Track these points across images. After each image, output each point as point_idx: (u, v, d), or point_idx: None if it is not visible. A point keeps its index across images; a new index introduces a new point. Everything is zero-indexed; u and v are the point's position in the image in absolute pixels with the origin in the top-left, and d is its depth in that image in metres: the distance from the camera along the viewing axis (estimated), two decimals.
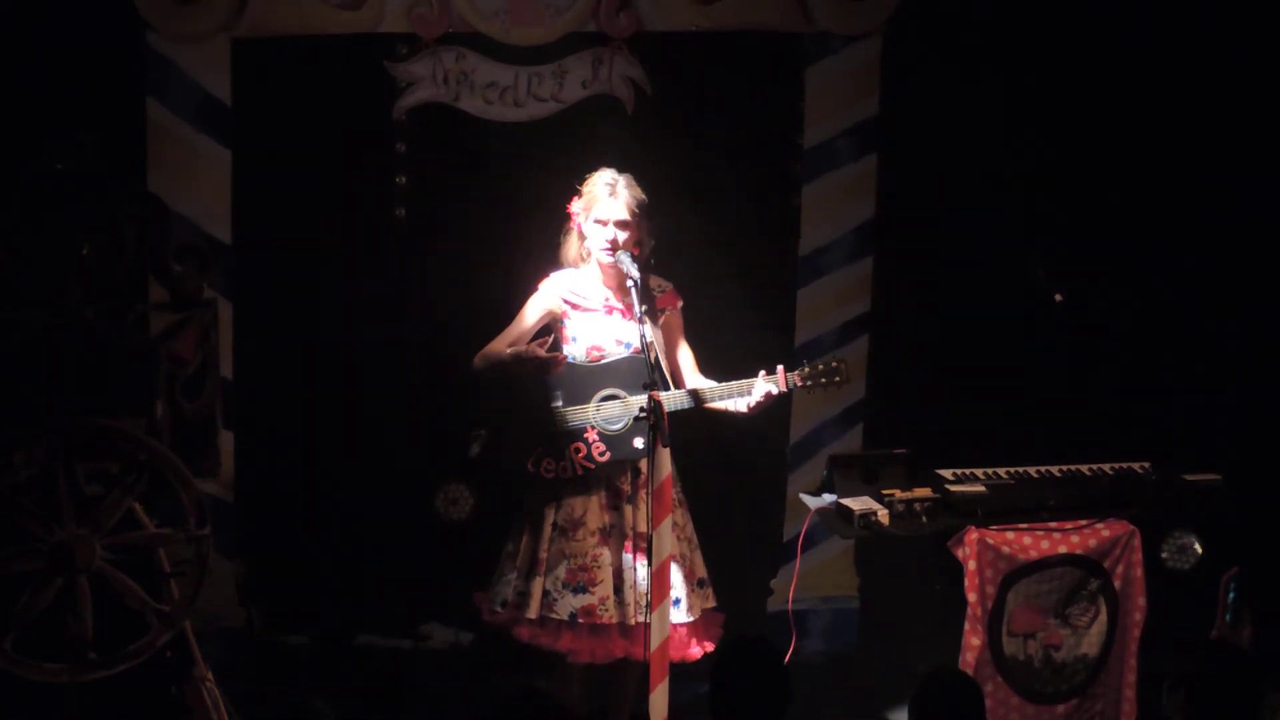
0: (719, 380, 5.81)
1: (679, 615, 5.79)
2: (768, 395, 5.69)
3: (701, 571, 5.91)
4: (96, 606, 4.94)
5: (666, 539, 5.60)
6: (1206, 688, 4.39)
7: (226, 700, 5.22)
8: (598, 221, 5.76)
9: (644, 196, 5.81)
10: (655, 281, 5.92)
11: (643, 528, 5.65)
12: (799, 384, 5.73)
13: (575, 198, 5.86)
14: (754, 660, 4.56)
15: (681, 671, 5.74)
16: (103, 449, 4.97)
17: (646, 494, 5.58)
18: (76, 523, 4.90)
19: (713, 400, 5.76)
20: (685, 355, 5.92)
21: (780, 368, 5.71)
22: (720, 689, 4.51)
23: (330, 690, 6.43)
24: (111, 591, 4.95)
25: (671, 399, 5.67)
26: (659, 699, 5.59)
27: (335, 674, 6.69)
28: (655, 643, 5.57)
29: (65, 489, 4.89)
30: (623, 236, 5.74)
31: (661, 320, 5.89)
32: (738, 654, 4.65)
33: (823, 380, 5.75)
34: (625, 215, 5.75)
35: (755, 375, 5.72)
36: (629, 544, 5.71)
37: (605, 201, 5.75)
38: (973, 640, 5.64)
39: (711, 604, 5.92)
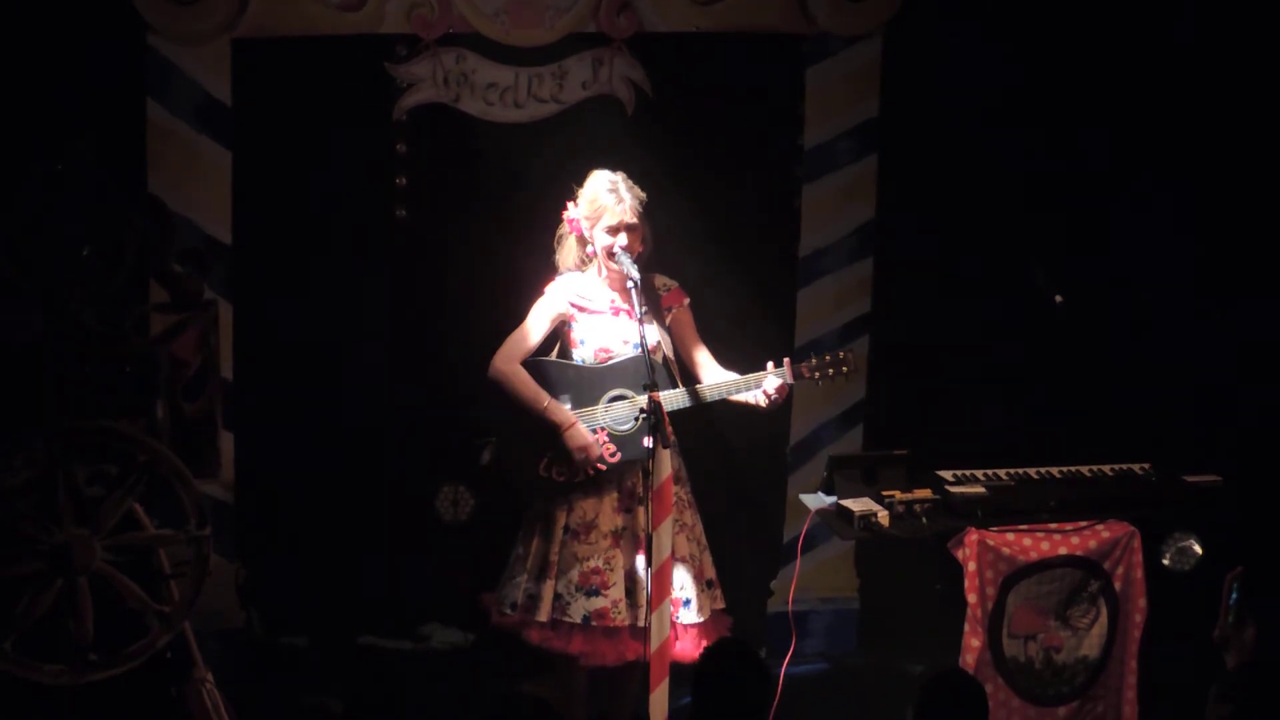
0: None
1: (690, 616, 5.80)
2: (781, 389, 5.69)
3: (710, 573, 5.92)
4: (97, 608, 4.94)
5: (666, 539, 5.61)
6: (1260, 704, 4.34)
7: (226, 701, 5.22)
8: (608, 229, 5.75)
9: (643, 193, 5.82)
10: (660, 281, 5.93)
11: None
12: (806, 375, 5.73)
13: (570, 203, 5.86)
14: (735, 662, 4.57)
15: (687, 672, 5.74)
16: (103, 450, 4.97)
17: None
18: (76, 524, 4.90)
19: (714, 397, 5.77)
20: (702, 351, 5.92)
21: (787, 360, 5.72)
22: (702, 692, 4.52)
23: (330, 691, 6.48)
24: (112, 592, 4.95)
25: (671, 399, 5.68)
26: (659, 699, 5.60)
27: (335, 675, 6.69)
28: (656, 643, 5.58)
29: (65, 490, 4.89)
30: (631, 239, 5.75)
31: (669, 318, 5.89)
32: (718, 657, 4.66)
33: (830, 371, 5.75)
34: (634, 219, 5.76)
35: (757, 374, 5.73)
36: (641, 546, 5.71)
37: (614, 209, 5.74)
38: (973, 641, 5.65)
39: (720, 605, 5.93)
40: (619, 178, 5.82)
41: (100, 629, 4.95)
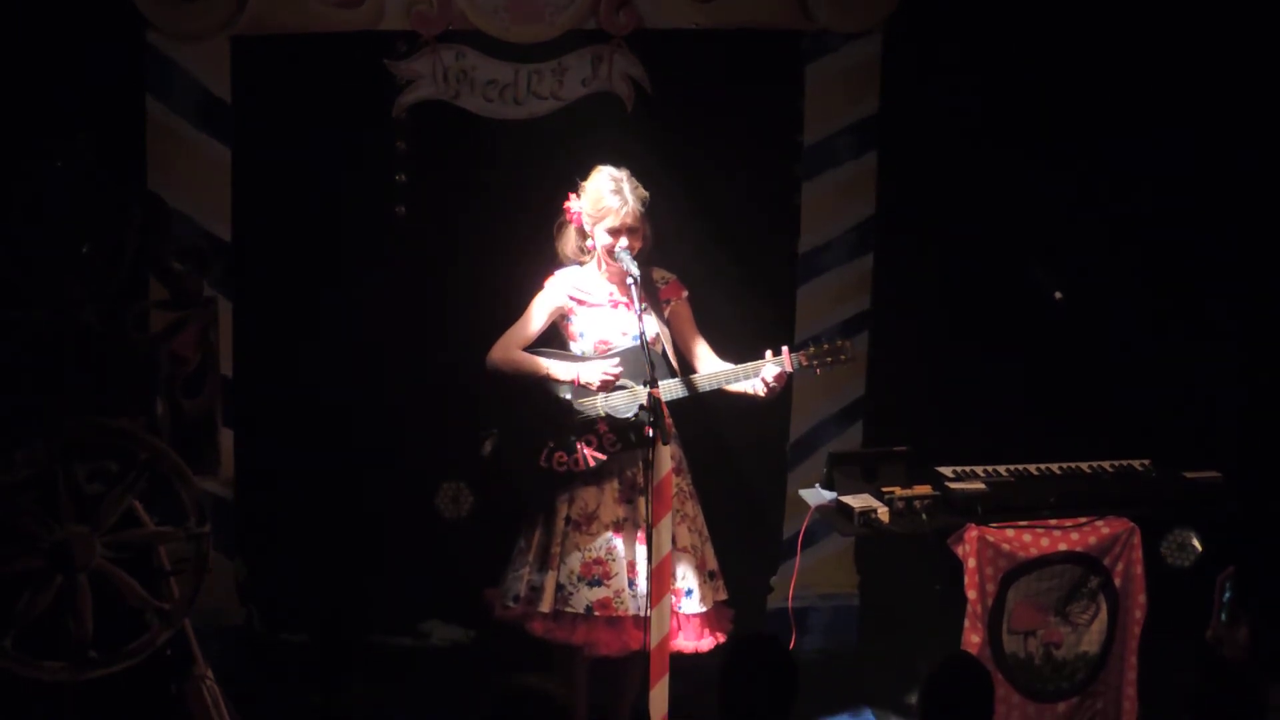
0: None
1: (692, 606, 5.82)
2: (779, 377, 5.70)
3: (712, 564, 5.94)
4: (97, 605, 4.94)
5: (666, 536, 5.62)
6: (1209, 700, 4.36)
7: (226, 699, 5.23)
8: (610, 230, 5.76)
9: (645, 192, 5.83)
10: (659, 274, 5.94)
11: None
12: (804, 363, 5.74)
13: (573, 195, 5.86)
14: (762, 656, 4.58)
15: (685, 664, 5.76)
16: (103, 447, 4.97)
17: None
18: (76, 521, 4.91)
19: (713, 386, 5.78)
20: (700, 343, 5.94)
21: (785, 348, 5.72)
22: (728, 685, 4.52)
23: (330, 688, 6.49)
24: (112, 590, 4.96)
25: (670, 388, 5.69)
26: (659, 695, 5.61)
27: (335, 672, 6.69)
28: (655, 639, 5.59)
29: (65, 488, 4.90)
30: (632, 239, 5.76)
31: (668, 311, 5.91)
32: (746, 650, 4.66)
33: (828, 359, 5.76)
34: (635, 221, 5.77)
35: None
36: (642, 536, 5.72)
37: (617, 211, 5.75)
38: (973, 638, 5.65)
39: (723, 596, 5.95)
40: (623, 176, 5.82)
41: (100, 626, 4.95)
